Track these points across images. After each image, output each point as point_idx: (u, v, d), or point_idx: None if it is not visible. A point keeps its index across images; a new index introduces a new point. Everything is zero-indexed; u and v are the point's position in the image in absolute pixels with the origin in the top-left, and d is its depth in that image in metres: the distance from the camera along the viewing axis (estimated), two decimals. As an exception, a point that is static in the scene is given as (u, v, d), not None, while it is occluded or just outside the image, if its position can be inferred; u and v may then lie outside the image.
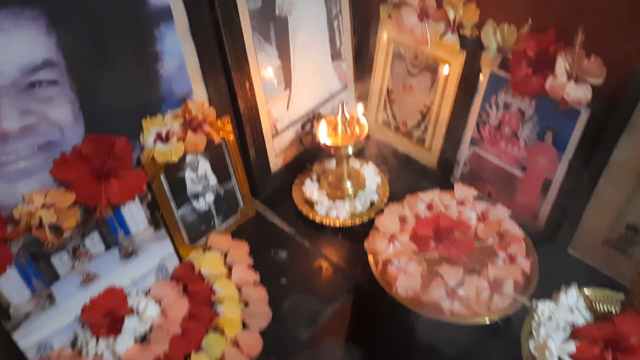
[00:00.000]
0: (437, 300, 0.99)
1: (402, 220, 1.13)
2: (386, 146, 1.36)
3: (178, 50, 0.97)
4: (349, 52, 1.30)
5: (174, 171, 1.03)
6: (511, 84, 1.02)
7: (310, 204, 1.23)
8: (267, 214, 1.24)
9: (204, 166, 1.08)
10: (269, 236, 1.19)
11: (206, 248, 1.13)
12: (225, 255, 1.12)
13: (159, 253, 1.05)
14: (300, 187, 1.26)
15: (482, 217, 1.13)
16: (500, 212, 1.12)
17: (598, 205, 1.00)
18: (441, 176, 1.26)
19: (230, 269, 1.09)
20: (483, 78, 1.10)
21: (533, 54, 0.97)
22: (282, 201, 1.25)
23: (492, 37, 1.04)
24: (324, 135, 1.14)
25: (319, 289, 1.08)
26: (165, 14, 0.92)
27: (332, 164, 1.28)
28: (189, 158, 1.05)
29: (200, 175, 1.08)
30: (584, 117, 0.97)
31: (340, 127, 1.14)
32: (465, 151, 1.20)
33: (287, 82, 1.19)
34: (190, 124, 1.01)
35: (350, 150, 1.14)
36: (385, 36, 1.24)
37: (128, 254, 1.01)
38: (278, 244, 1.16)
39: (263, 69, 1.12)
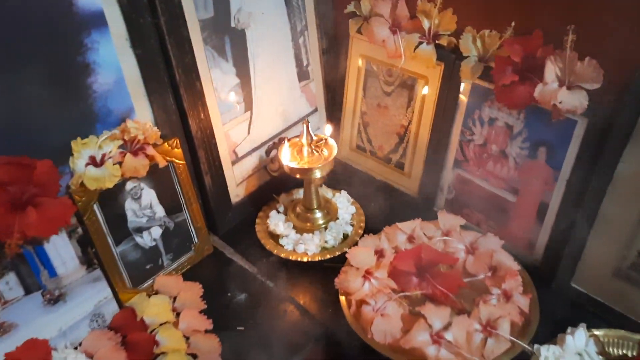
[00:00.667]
0: (421, 346, 0.84)
1: (379, 253, 0.99)
2: (361, 174, 1.23)
3: (115, 62, 0.85)
4: (317, 71, 1.19)
5: (111, 200, 0.89)
6: (496, 94, 0.90)
7: (276, 238, 1.08)
8: (227, 250, 1.09)
9: (149, 195, 0.94)
10: (228, 276, 1.04)
11: (152, 292, 0.98)
12: (175, 300, 0.96)
13: (93, 298, 0.90)
14: (265, 220, 1.12)
15: (471, 249, 0.99)
16: (492, 243, 0.98)
17: (604, 230, 0.87)
18: (423, 205, 1.13)
19: (179, 316, 0.93)
20: (464, 91, 0.98)
21: (519, 59, 0.86)
22: (243, 236, 1.11)
23: (472, 45, 0.93)
24: (287, 157, 1.01)
25: (283, 337, 0.93)
26: (98, 20, 0.80)
27: (300, 193, 1.15)
28: (129, 185, 0.91)
29: (144, 206, 0.94)
30: (580, 127, 0.85)
31: (305, 149, 1.01)
32: (448, 175, 1.07)
33: (248, 103, 1.07)
34: (131, 146, 0.88)
35: (318, 174, 1.01)
36: (355, 53, 1.13)
37: (54, 300, 0.85)
38: (237, 286, 1.01)
39: (218, 87, 1.00)
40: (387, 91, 1.12)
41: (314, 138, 1.02)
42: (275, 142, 1.15)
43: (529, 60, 0.86)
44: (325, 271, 1.01)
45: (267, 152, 1.15)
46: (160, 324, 0.91)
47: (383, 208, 1.14)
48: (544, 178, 0.92)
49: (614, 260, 0.87)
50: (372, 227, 1.08)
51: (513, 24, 0.87)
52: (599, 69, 0.80)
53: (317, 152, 1.02)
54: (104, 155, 0.86)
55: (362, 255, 0.97)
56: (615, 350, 0.84)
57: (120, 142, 0.87)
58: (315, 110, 1.22)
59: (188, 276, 1.01)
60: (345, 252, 0.97)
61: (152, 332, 0.90)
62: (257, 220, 1.12)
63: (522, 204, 0.97)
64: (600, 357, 0.82)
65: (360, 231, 1.09)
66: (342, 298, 0.94)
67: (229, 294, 1.00)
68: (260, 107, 1.09)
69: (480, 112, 0.97)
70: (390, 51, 1.03)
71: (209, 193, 1.05)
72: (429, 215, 1.05)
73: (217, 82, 0.99)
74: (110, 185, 0.85)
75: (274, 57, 1.08)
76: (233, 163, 1.08)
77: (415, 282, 0.94)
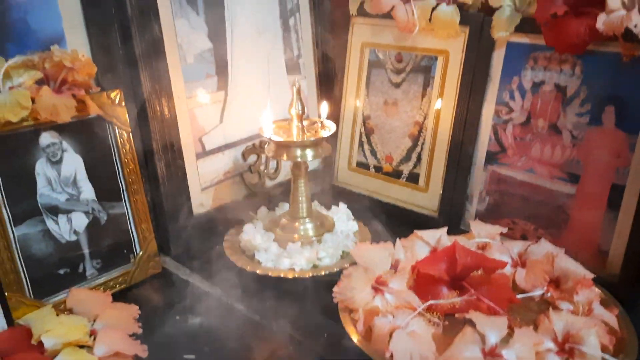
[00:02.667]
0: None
1: (396, 264, 0.70)
2: (364, 198, 0.97)
3: (45, -36, 0.64)
4: (310, 66, 0.99)
5: (16, 152, 0.62)
6: (544, 34, 0.69)
7: (251, 252, 0.79)
8: (181, 271, 0.79)
9: (74, 162, 0.67)
10: (180, 299, 0.73)
11: (63, 310, 0.66)
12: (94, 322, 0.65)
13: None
14: (236, 237, 0.83)
15: (521, 261, 0.71)
16: (547, 248, 0.70)
17: None
18: (447, 224, 0.85)
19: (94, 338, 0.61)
20: (497, 55, 0.78)
21: (571, -15, 0.67)
22: (205, 251, 0.82)
23: (505, -7, 0.75)
24: (269, 129, 0.77)
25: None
26: None
27: (285, 207, 0.88)
28: (46, 139, 0.65)
29: (64, 177, 0.67)
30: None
31: (295, 125, 0.77)
32: (480, 176, 0.82)
33: (222, 80, 0.85)
34: (53, 81, 0.64)
35: (310, 156, 0.75)
36: (357, 40, 0.95)
37: None
38: (192, 309, 0.70)
39: (183, 43, 0.78)
40: (397, 81, 0.91)
41: (306, 113, 0.78)
42: (255, 144, 0.91)
43: (586, -9, 0.67)
44: (319, 290, 0.71)
45: (244, 155, 0.90)
46: (64, 344, 0.59)
47: (395, 231, 0.86)
48: (615, 150, 0.68)
49: None
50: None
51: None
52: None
53: (310, 132, 0.78)
54: (11, 88, 0.61)
55: (372, 252, 0.68)
56: None
57: (39, 75, 0.64)
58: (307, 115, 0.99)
59: (120, 298, 0.70)
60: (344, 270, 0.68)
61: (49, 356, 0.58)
62: (226, 237, 0.83)
63: (586, 194, 0.71)
64: None
65: (365, 244, 0.80)
66: (344, 314, 0.63)
67: (177, 317, 0.68)
68: (237, 91, 0.87)
69: (521, 78, 0.76)
70: (401, 22, 0.85)
71: (160, 186, 0.78)
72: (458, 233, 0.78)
73: (182, 35, 0.78)
74: (13, 118, 0.59)
75: (257, 31, 0.89)
76: (198, 156, 0.83)
77: (446, 294, 0.65)
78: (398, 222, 0.90)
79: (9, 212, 0.62)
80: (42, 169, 0.65)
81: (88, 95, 0.67)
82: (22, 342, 0.61)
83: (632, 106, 0.67)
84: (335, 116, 1.00)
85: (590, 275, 0.66)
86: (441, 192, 0.87)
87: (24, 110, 0.60)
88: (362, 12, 0.93)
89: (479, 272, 0.68)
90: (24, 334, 0.62)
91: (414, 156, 0.91)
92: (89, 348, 0.60)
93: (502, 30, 0.76)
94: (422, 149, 0.89)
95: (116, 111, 0.70)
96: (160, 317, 0.69)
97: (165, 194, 0.79)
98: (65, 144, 0.66)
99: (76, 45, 0.69)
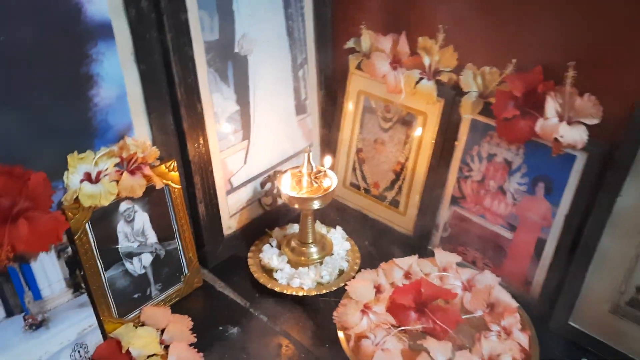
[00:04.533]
0: (424, 382, 0.80)
1: (377, 288, 0.96)
2: (355, 211, 1.22)
3: (118, 76, 0.83)
4: (314, 106, 1.19)
5: (104, 221, 0.85)
6: (497, 128, 0.92)
7: (269, 271, 1.05)
8: (217, 284, 1.04)
9: (142, 219, 0.90)
10: (218, 310, 0.99)
11: (138, 323, 0.92)
12: (163, 332, 0.91)
13: (77, 325, 0.84)
14: (257, 254, 1.08)
15: (468, 286, 0.97)
16: (489, 279, 0.97)
17: (602, 265, 0.87)
18: (418, 243, 1.11)
19: (167, 348, 0.87)
20: (463, 127, 1.00)
21: (520, 94, 0.88)
22: (235, 269, 1.07)
23: (473, 81, 0.96)
24: (286, 186, 1.00)
25: (277, 372, 0.88)
26: (105, 31, 0.80)
27: (294, 228, 1.13)
28: (123, 206, 0.87)
29: (136, 230, 0.90)
30: (580, 162, 0.87)
31: (305, 179, 1.00)
32: (445, 212, 1.07)
33: (246, 132, 1.06)
34: (128, 165, 0.85)
35: (317, 205, 0.99)
36: (354, 88, 1.15)
37: (36, 325, 0.80)
38: (229, 319, 0.97)
39: (218, 112, 0.99)
40: (385, 127, 1.13)
41: (314, 169, 1.01)
42: (270, 175, 1.14)
43: (530, 95, 0.88)
44: (321, 306, 0.98)
45: (262, 185, 1.13)
46: (148, 357, 0.86)
47: (377, 246, 1.12)
48: (542, 214, 0.93)
49: (611, 296, 0.87)
50: (366, 263, 1.05)
51: (514, 60, 0.90)
52: (598, 105, 0.82)
53: (317, 183, 1.01)
54: (99, 172, 0.83)
55: (361, 288, 0.94)
56: (619, 389, 0.82)
57: (117, 160, 0.85)
58: (311, 144, 1.21)
59: (176, 309, 0.96)
60: (342, 288, 0.94)
61: (138, 364, 0.84)
62: (250, 254, 1.09)
63: (520, 240, 0.97)
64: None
65: (356, 267, 1.06)
66: (340, 333, 0.90)
67: (220, 328, 0.95)
68: (258, 137, 1.08)
69: (479, 147, 0.98)
70: (390, 86, 1.05)
71: (202, 222, 1.02)
72: (424, 254, 1.04)
73: (217, 106, 0.98)
74: (105, 202, 0.82)
75: (273, 87, 1.08)
76: (228, 193, 1.06)
77: (414, 317, 0.92)
78: (382, 234, 1.16)
79: (100, 261, 0.86)
80: (121, 227, 0.88)
81: (152, 169, 0.88)
82: (116, 352, 0.87)
83: (556, 185, 0.90)
84: (334, 141, 1.22)
85: (515, 305, 0.93)
86: (415, 218, 1.12)
87: (112, 196, 0.82)
88: (359, 67, 1.12)
89: (438, 301, 0.95)
90: (116, 345, 0.88)
91: (396, 187, 1.14)
92: (164, 357, 0.88)
93: (467, 113, 0.97)
94: (402, 182, 1.13)
95: (171, 176, 0.92)
96: (202, 324, 0.95)
97: (205, 223, 1.03)
98: (136, 207, 0.89)
99: (140, 127, 0.89)
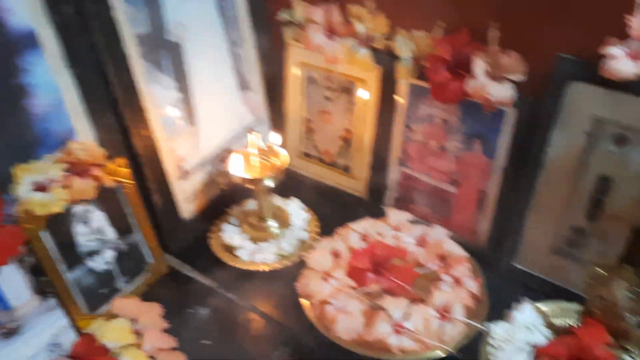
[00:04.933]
0: (384, 337, 0.87)
1: (336, 255, 1.01)
2: (310, 180, 1.26)
3: (52, 83, 0.83)
4: (257, 81, 1.20)
5: (60, 226, 0.87)
6: (431, 92, 0.95)
7: (232, 250, 1.08)
8: (183, 268, 1.08)
9: (99, 218, 0.92)
10: (187, 293, 1.03)
11: (111, 316, 0.96)
12: (136, 322, 0.95)
13: (49, 328, 0.87)
14: (218, 234, 1.12)
15: (421, 242, 1.04)
16: (439, 234, 1.03)
17: (539, 211, 0.93)
18: (372, 204, 1.16)
19: (141, 337, 0.91)
20: (402, 91, 1.03)
21: (449, 57, 0.91)
22: (199, 252, 1.10)
23: (405, 46, 0.98)
24: (238, 168, 1.02)
25: (250, 346, 0.93)
26: (31, 41, 0.79)
27: (252, 204, 1.16)
28: (77, 209, 0.89)
29: (94, 229, 0.92)
30: (510, 117, 0.91)
31: (254, 159, 1.02)
32: (393, 174, 1.11)
33: (192, 117, 1.07)
34: (76, 169, 0.86)
35: (270, 183, 1.02)
36: (293, 60, 1.16)
37: (9, 333, 0.82)
38: (198, 301, 1.01)
39: (160, 102, 0.99)
40: (329, 97, 1.15)
41: (262, 147, 1.03)
42: (222, 155, 1.16)
43: (459, 57, 0.91)
44: (285, 277, 1.02)
45: (215, 166, 1.15)
46: (123, 347, 0.89)
47: (335, 211, 1.17)
48: (482, 168, 0.98)
49: (550, 237, 0.94)
50: (326, 231, 1.10)
51: (441, 23, 0.93)
52: (521, 62, 0.86)
53: (267, 161, 1.04)
54: (48, 180, 0.84)
55: (319, 258, 0.99)
56: (559, 321, 0.90)
57: (65, 166, 0.86)
58: (259, 119, 1.23)
59: (146, 297, 1.00)
60: (303, 258, 0.99)
61: (114, 356, 0.88)
62: (211, 235, 1.12)
63: (464, 194, 1.03)
64: (546, 327, 0.88)
65: (316, 236, 1.11)
66: (304, 301, 0.96)
67: (191, 310, 0.99)
68: (204, 121, 1.09)
69: (419, 110, 1.02)
70: (327, 57, 1.07)
71: (158, 212, 1.04)
72: (379, 214, 1.09)
73: (158, 97, 0.99)
74: (58, 209, 0.83)
75: (212, 69, 1.09)
76: (180, 178, 1.08)
77: (372, 278, 0.98)
78: (337, 199, 1.21)
79: (64, 264, 0.88)
80: (78, 229, 0.90)
81: (102, 169, 0.89)
82: (92, 346, 0.91)
83: (491, 141, 0.95)
84: (282, 113, 1.24)
85: (464, 255, 1.00)
86: (367, 181, 1.16)
87: (64, 202, 0.83)
88: (296, 39, 1.13)
89: (394, 260, 1.00)
90: (91, 340, 0.92)
91: (346, 153, 1.18)
92: (139, 346, 0.92)
93: (404, 78, 1.00)
94: (352, 148, 1.16)
95: (122, 173, 0.93)
96: (173, 309, 0.99)
97: (162, 212, 1.05)
98: (91, 207, 0.91)
99: (83, 130, 0.89)
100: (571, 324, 0.88)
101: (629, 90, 0.77)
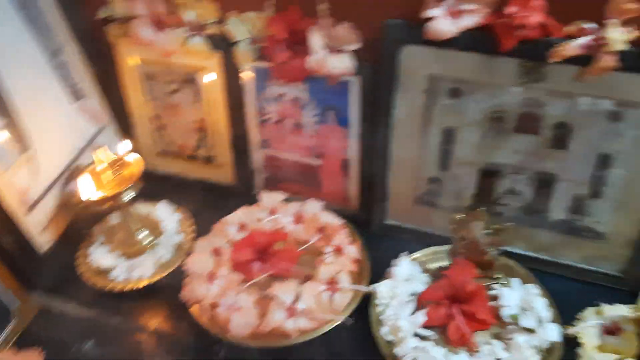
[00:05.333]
0: (280, 324, 0.88)
1: (217, 252, 0.99)
2: (174, 178, 1.21)
3: None
4: (92, 88, 1.10)
5: None
6: (274, 72, 0.94)
7: (105, 273, 1.02)
8: (55, 304, 1.00)
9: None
10: (67, 330, 0.96)
11: (-16, 380, 0.87)
12: (14, 378, 0.87)
13: None
14: (86, 259, 1.04)
15: (298, 219, 1.05)
16: (314, 207, 1.05)
17: (398, 168, 0.98)
18: (243, 191, 1.15)
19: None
20: (247, 75, 1.00)
21: (285, 35, 0.90)
22: (69, 282, 1.02)
23: (239, 29, 0.95)
24: (90, 190, 0.95)
25: (147, 368, 0.90)
26: None
27: (116, 218, 1.09)
28: None
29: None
30: (355, 86, 0.93)
31: (106, 175, 0.95)
32: (257, 157, 1.10)
33: (23, 142, 0.96)
34: None
35: (130, 195, 0.96)
36: (126, 58, 1.08)
37: None
38: (81, 335, 0.94)
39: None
40: (173, 89, 1.09)
41: (112, 158, 0.96)
42: (71, 174, 1.06)
43: (295, 34, 0.90)
44: (170, 287, 0.99)
45: (65, 187, 1.06)
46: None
47: (207, 205, 1.13)
48: (339, 138, 1.00)
49: (412, 191, 0.99)
50: (203, 229, 1.06)
51: (271, 1, 0.90)
52: (353, 31, 0.87)
53: (120, 172, 0.97)
54: None
55: (199, 261, 0.96)
56: (433, 265, 0.97)
57: None
58: (103, 127, 1.14)
59: (22, 345, 0.91)
60: (183, 263, 0.96)
61: None
62: (79, 261, 1.04)
63: (328, 165, 1.05)
64: (424, 274, 0.95)
65: (192, 236, 1.07)
66: (194, 308, 0.93)
67: (75, 346, 0.93)
68: (40, 142, 0.99)
69: (268, 91, 1.01)
70: (160, 49, 1.00)
71: (12, 253, 0.94)
72: (252, 199, 1.08)
73: (-22, 133, 0.87)
74: None
75: (35, 85, 0.98)
76: (29, 212, 0.98)
77: (258, 267, 0.97)
78: (207, 192, 1.18)
79: None
80: None
81: None
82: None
83: (342, 111, 0.97)
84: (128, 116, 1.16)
85: (340, 223, 1.03)
86: (232, 169, 1.14)
87: None
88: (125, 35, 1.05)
89: (277, 244, 1.00)
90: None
91: (205, 144, 1.14)
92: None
93: (244, 62, 0.97)
94: (209, 138, 1.13)
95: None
96: (55, 349, 0.92)
97: (16, 255, 0.95)
98: None
99: None
100: (444, 265, 0.96)
101: (454, 46, 0.81)
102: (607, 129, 0.81)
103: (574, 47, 0.74)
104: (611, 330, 0.84)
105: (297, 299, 0.90)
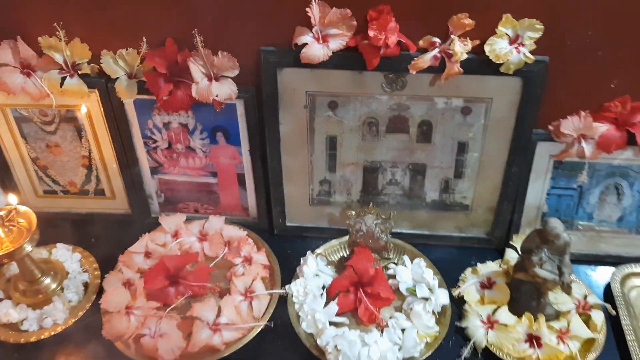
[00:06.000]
0: (207, 341, 0.94)
1: (129, 284, 1.02)
2: (64, 215, 1.18)
3: None
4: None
5: None
6: (160, 105, 0.96)
7: (15, 327, 0.99)
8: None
9: None
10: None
11: None
12: None
13: None
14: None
15: (203, 237, 1.10)
16: (216, 223, 1.10)
17: (291, 176, 1.07)
18: (141, 217, 1.16)
19: None
20: (129, 108, 1.02)
21: (165, 69, 0.93)
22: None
23: (116, 66, 0.95)
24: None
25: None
26: None
27: (11, 268, 1.05)
28: None
29: None
30: (241, 108, 0.99)
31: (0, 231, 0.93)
32: (150, 183, 1.12)
33: None
34: None
35: (29, 247, 0.94)
36: (-6, 104, 1.03)
37: None
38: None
39: None
40: (51, 130, 1.06)
41: (2, 213, 0.93)
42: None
43: (175, 66, 0.93)
44: (88, 328, 0.99)
45: (-51, 249, 1.00)
46: None
47: (107, 237, 1.13)
48: (231, 155, 1.06)
49: (306, 194, 1.09)
50: (106, 261, 1.07)
51: (145, 38, 0.92)
52: (232, 58, 0.93)
53: (14, 225, 0.95)
54: None
55: (113, 297, 0.98)
56: (334, 256, 1.09)
57: None
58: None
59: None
60: (97, 301, 0.97)
61: None
62: (-21, 322, 1.00)
63: (224, 181, 1.10)
64: (328, 267, 1.06)
65: (97, 272, 1.07)
66: (119, 345, 0.95)
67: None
68: None
69: (153, 120, 1.03)
70: (34, 95, 0.98)
71: None
72: (152, 225, 1.11)
73: None
74: None
75: None
76: None
77: (173, 292, 1.01)
78: (105, 226, 1.17)
79: None
80: None
81: None
82: None
83: (230, 131, 1.03)
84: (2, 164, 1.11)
85: (244, 233, 1.10)
86: (127, 199, 1.15)
87: None
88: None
89: (187, 266, 1.05)
90: None
91: (93, 178, 1.13)
92: None
93: (125, 97, 0.98)
94: (98, 173, 1.12)
95: None
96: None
97: None
98: None
99: None
100: (345, 256, 1.07)
101: (327, 65, 0.90)
102: (460, 122, 0.96)
103: (426, 59, 0.87)
104: (486, 284, 1.01)
105: (218, 314, 0.96)
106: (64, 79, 0.97)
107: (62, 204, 1.17)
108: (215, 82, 0.94)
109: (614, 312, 0.96)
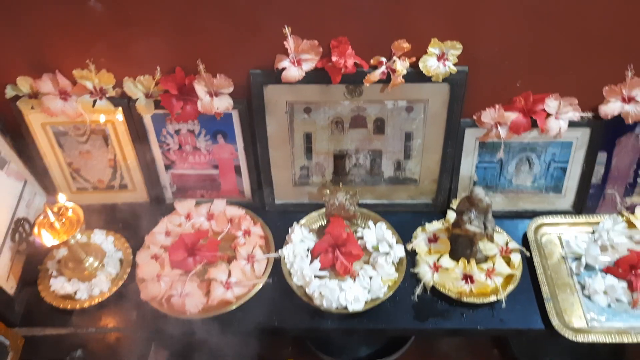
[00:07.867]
0: (222, 297, 1.23)
1: (157, 257, 1.29)
2: (98, 207, 1.44)
3: None
4: (11, 154, 1.30)
5: None
6: (175, 118, 1.23)
7: (71, 297, 1.27)
8: (36, 332, 1.24)
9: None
10: (55, 347, 1.21)
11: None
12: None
13: None
14: (49, 290, 1.28)
15: (210, 217, 1.38)
16: (220, 205, 1.39)
17: (277, 164, 1.35)
18: (159, 205, 1.44)
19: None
20: (147, 121, 1.28)
21: (176, 90, 1.19)
22: (41, 312, 1.25)
23: (135, 89, 1.21)
24: (50, 240, 1.18)
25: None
26: None
27: (60, 252, 1.32)
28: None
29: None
30: (236, 116, 1.27)
31: (56, 224, 1.19)
32: (165, 176, 1.40)
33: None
34: None
35: (79, 237, 1.22)
36: (36, 124, 1.28)
37: None
38: (68, 349, 1.21)
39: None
40: (83, 141, 1.32)
41: (55, 210, 1.20)
42: (15, 227, 1.27)
43: (183, 88, 1.20)
44: (128, 294, 1.27)
45: (12, 239, 1.27)
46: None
47: (132, 222, 1.40)
48: (229, 152, 1.34)
49: (290, 177, 1.38)
50: (136, 242, 1.35)
51: (158, 67, 1.18)
52: (228, 79, 1.19)
53: (65, 218, 1.22)
54: None
55: (146, 268, 1.26)
56: (315, 225, 1.38)
57: None
58: (25, 182, 1.34)
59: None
60: (132, 272, 1.26)
61: None
62: (42, 294, 1.27)
63: (224, 172, 1.38)
64: (311, 233, 1.35)
65: (129, 250, 1.35)
66: (154, 303, 1.24)
67: (67, 357, 1.19)
68: (-13, 211, 1.19)
69: (166, 129, 1.30)
70: (72, 116, 1.23)
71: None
72: (169, 210, 1.39)
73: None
74: None
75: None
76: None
77: (192, 261, 1.30)
78: (130, 213, 1.43)
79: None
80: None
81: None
82: None
83: (228, 134, 1.30)
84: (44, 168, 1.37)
85: (242, 212, 1.38)
86: (145, 189, 1.42)
87: None
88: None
89: (201, 241, 1.33)
90: None
91: (118, 176, 1.40)
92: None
93: (144, 113, 1.25)
94: (121, 171, 1.39)
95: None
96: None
97: (-8, 303, 1.18)
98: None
99: None
100: (323, 225, 1.37)
101: (302, 82, 1.17)
102: (406, 117, 1.25)
103: (376, 74, 1.15)
104: (433, 239, 1.32)
105: (229, 275, 1.25)
106: (94, 101, 1.23)
107: (92, 198, 1.44)
108: (215, 98, 1.21)
109: (528, 254, 1.28)
